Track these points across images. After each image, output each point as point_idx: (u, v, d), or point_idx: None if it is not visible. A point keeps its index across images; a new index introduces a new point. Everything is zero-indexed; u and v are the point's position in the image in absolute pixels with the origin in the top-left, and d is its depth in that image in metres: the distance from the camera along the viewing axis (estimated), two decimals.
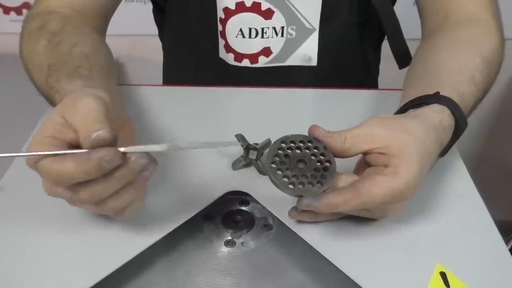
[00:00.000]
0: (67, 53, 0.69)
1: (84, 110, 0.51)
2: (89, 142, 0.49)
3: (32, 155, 0.50)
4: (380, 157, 0.57)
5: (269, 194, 0.63)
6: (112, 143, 0.49)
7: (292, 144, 0.59)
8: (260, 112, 0.83)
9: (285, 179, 0.56)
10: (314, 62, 0.94)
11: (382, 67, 1.08)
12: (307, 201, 0.55)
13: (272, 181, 0.56)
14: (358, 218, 0.61)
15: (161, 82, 1.11)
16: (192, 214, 0.61)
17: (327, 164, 0.58)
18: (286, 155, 0.58)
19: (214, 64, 0.95)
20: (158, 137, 0.75)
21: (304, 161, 0.58)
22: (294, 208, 0.60)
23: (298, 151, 0.58)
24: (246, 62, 0.93)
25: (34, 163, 0.51)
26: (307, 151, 0.58)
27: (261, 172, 0.67)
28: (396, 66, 0.90)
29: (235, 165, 0.68)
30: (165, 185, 0.66)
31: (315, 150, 0.58)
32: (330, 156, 0.58)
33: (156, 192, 0.64)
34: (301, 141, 0.59)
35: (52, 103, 0.68)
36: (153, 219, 0.61)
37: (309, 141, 0.59)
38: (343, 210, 0.57)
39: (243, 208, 0.66)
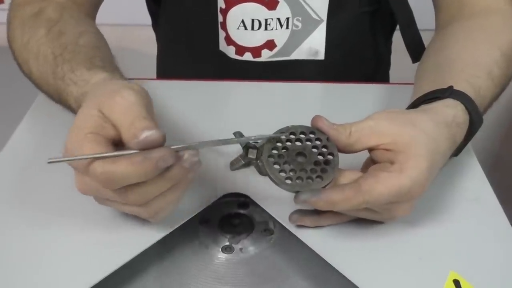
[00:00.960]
0: (73, 43, 0.70)
1: (124, 104, 0.52)
2: (137, 143, 0.50)
3: (82, 158, 0.51)
4: (386, 154, 0.57)
5: (269, 196, 0.64)
6: (162, 143, 0.51)
7: (292, 136, 0.59)
8: (262, 108, 0.83)
9: (282, 174, 0.56)
10: (321, 56, 0.94)
11: (393, 60, 1.07)
12: (304, 196, 0.55)
13: (269, 176, 0.56)
14: (364, 221, 0.61)
15: (154, 76, 1.11)
16: (187, 218, 0.61)
17: (329, 157, 0.57)
18: (285, 148, 0.58)
19: (213, 58, 0.95)
20: None
21: (304, 154, 0.58)
22: (295, 212, 0.60)
23: (298, 143, 0.58)
24: (248, 56, 0.93)
25: (86, 166, 0.51)
26: (308, 143, 0.58)
27: (261, 172, 0.67)
28: (408, 58, 0.90)
29: (234, 165, 0.68)
30: None
31: (317, 142, 0.58)
32: (333, 149, 0.58)
33: None
34: (302, 133, 0.59)
35: (61, 95, 0.69)
36: (145, 223, 0.60)
37: (311, 133, 0.59)
38: (344, 209, 0.57)
39: (242, 211, 0.65)
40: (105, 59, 0.69)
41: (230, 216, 0.64)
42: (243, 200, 0.66)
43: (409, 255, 0.59)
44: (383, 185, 0.54)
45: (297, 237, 0.60)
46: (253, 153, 0.66)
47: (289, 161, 0.57)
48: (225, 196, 0.65)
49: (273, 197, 0.63)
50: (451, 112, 0.62)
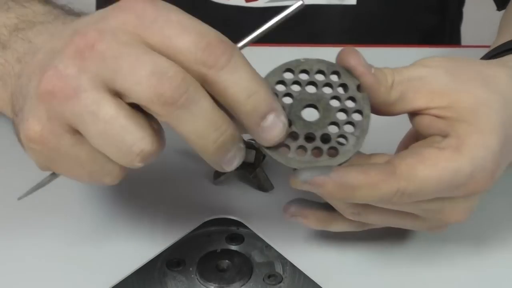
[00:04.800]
0: None
1: None
2: None
3: None
4: (438, 122, 0.56)
5: (275, 223, 0.64)
6: None
7: (303, 76, 0.56)
8: None
9: None
10: (352, 0, 0.93)
11: (467, 10, 1.08)
12: (305, 174, 0.53)
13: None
14: (407, 252, 0.62)
15: None
16: (148, 259, 0.61)
17: (355, 117, 0.55)
18: (289, 95, 0.55)
19: (187, 2, 0.95)
20: None
21: (316, 108, 0.55)
22: (295, 201, 0.59)
23: (311, 88, 0.56)
24: None
25: None
26: (327, 90, 0.56)
27: (262, 187, 0.67)
28: (491, 6, 0.89)
29: (219, 176, 0.68)
30: (111, 214, 0.67)
31: (340, 90, 0.56)
32: (364, 106, 0.55)
33: (98, 226, 0.65)
34: (320, 72, 0.56)
35: None
36: (95, 266, 0.61)
37: (334, 73, 0.56)
38: (368, 200, 0.55)
39: (233, 247, 0.65)
40: None
41: (215, 255, 0.64)
42: (235, 230, 0.66)
43: None
44: (429, 167, 0.53)
45: (318, 285, 0.60)
46: (251, 156, 0.66)
47: (292, 117, 0.54)
48: (207, 223, 0.65)
49: (281, 225, 0.63)
50: None
